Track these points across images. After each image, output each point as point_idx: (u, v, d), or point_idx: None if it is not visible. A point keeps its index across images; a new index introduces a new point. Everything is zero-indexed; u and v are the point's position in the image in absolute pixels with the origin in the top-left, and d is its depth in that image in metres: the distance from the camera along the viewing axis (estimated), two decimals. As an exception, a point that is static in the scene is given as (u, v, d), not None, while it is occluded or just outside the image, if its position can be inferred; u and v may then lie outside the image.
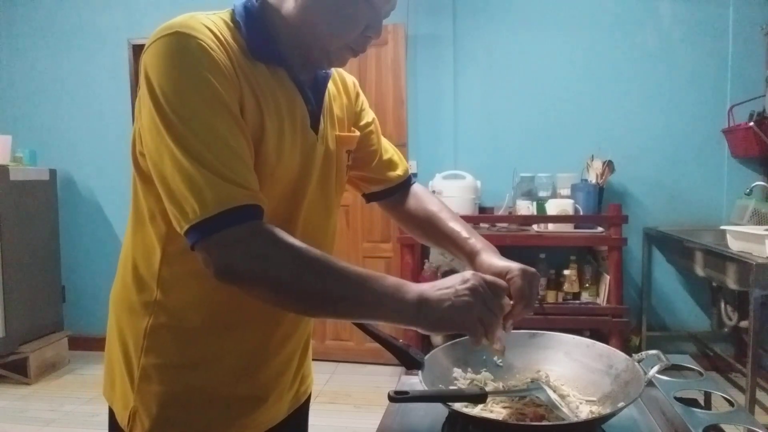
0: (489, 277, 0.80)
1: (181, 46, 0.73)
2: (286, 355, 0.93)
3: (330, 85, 0.94)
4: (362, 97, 1.06)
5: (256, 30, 0.81)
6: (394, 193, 1.10)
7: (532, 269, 0.89)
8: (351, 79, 1.04)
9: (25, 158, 3.53)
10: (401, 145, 3.34)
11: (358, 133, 1.00)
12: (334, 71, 0.98)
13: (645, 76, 3.24)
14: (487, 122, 3.41)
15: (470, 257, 0.97)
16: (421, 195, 1.10)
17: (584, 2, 3.28)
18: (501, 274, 0.88)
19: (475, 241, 0.99)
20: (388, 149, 1.10)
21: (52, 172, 3.60)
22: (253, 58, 0.80)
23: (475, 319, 0.75)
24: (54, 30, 3.77)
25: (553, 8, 3.31)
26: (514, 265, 0.90)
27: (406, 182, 1.11)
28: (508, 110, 3.38)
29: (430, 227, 1.06)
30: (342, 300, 0.73)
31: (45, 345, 3.40)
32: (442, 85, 3.43)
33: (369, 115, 1.06)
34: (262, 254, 0.71)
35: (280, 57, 0.83)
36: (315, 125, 0.88)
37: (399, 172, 1.09)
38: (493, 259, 0.94)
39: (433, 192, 3.07)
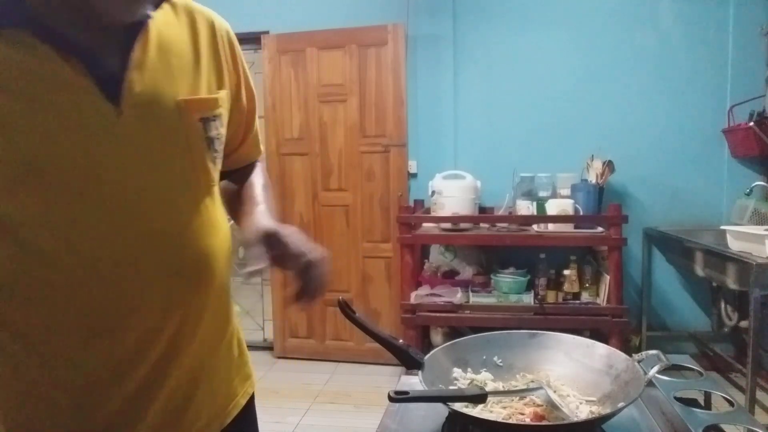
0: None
1: None
2: (137, 383, 0.73)
3: (166, 32, 0.74)
4: (238, 50, 0.85)
5: None
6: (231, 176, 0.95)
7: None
8: (223, 27, 0.83)
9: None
10: (401, 145, 3.35)
11: (220, 94, 0.79)
12: (188, 9, 0.79)
13: (645, 76, 3.24)
14: (487, 122, 3.41)
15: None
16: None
17: (584, 2, 3.28)
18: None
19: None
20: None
21: (52, 172, 3.59)
22: None
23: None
24: (54, 30, 3.76)
25: (553, 8, 3.31)
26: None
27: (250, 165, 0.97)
28: (508, 110, 3.38)
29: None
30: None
31: (45, 345, 3.39)
32: (442, 85, 3.42)
33: (250, 83, 0.88)
34: None
35: (25, 18, 0.64)
36: (114, 92, 0.68)
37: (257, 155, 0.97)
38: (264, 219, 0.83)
39: (433, 192, 3.09)
